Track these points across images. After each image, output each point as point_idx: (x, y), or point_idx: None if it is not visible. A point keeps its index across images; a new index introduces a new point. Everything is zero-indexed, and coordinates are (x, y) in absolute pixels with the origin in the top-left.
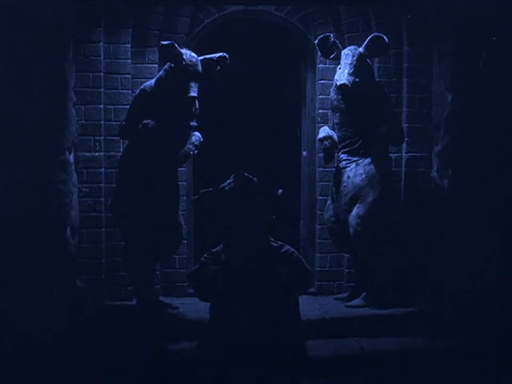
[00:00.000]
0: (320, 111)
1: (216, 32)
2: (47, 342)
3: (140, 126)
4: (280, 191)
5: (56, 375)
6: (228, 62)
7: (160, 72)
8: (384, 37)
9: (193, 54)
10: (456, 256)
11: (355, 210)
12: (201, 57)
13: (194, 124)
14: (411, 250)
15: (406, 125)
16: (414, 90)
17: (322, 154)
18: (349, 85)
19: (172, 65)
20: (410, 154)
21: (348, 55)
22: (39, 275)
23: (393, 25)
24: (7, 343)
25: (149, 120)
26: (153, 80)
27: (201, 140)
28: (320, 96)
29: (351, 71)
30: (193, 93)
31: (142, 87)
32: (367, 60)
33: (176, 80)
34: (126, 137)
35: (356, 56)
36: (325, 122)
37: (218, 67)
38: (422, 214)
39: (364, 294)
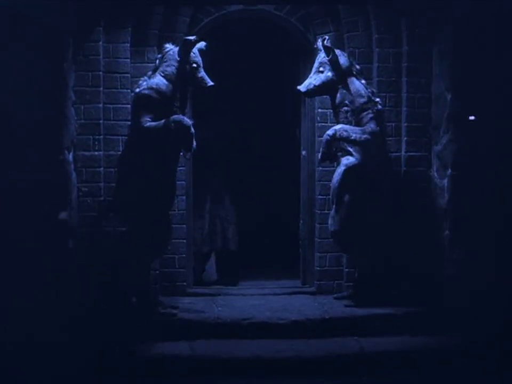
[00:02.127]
0: (319, 110)
1: (216, 32)
2: (46, 342)
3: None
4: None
5: (55, 376)
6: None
7: (167, 69)
8: (326, 38)
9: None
10: (456, 256)
11: (332, 211)
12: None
13: None
14: (410, 249)
15: (405, 124)
16: (414, 89)
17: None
18: (301, 90)
19: (178, 59)
20: (409, 153)
21: (316, 60)
22: (38, 275)
23: (393, 25)
24: (7, 343)
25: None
26: (162, 78)
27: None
28: (320, 96)
29: (311, 75)
30: (211, 82)
31: (154, 86)
32: (338, 62)
33: (187, 74)
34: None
35: (319, 60)
36: (325, 122)
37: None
38: (421, 214)
39: (360, 293)
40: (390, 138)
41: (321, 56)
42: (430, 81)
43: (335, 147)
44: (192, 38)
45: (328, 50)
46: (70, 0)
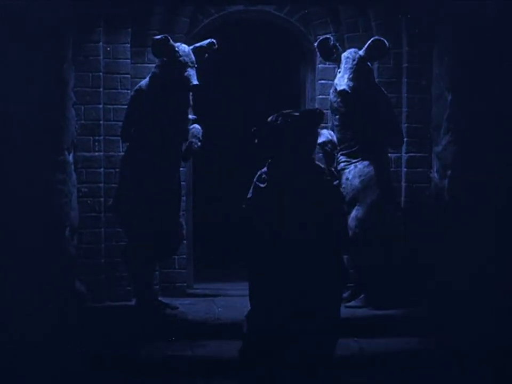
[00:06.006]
0: None
1: (216, 32)
2: (45, 343)
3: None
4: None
5: (54, 376)
6: (216, 47)
7: (153, 70)
8: (385, 41)
9: (183, 45)
10: (456, 257)
11: (354, 213)
12: (191, 47)
13: (194, 116)
14: (411, 251)
15: (405, 125)
16: (414, 90)
17: (321, 154)
18: (349, 91)
19: (165, 59)
20: (410, 154)
21: (348, 58)
22: (38, 275)
23: (393, 25)
24: (5, 343)
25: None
26: (147, 79)
27: (201, 131)
28: (320, 96)
29: (350, 76)
30: (196, 81)
31: (137, 87)
32: (367, 63)
33: (172, 73)
34: (128, 140)
35: (356, 60)
36: (324, 122)
37: (206, 54)
38: (422, 214)
39: (363, 294)
40: None
41: (360, 55)
42: (430, 82)
43: None
44: (158, 37)
45: (387, 51)
46: (70, 0)
